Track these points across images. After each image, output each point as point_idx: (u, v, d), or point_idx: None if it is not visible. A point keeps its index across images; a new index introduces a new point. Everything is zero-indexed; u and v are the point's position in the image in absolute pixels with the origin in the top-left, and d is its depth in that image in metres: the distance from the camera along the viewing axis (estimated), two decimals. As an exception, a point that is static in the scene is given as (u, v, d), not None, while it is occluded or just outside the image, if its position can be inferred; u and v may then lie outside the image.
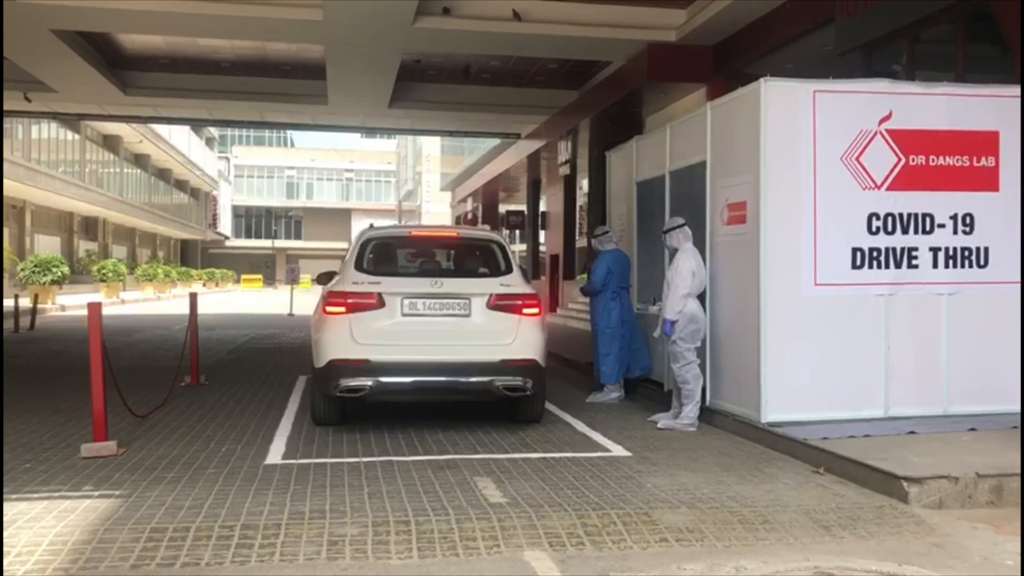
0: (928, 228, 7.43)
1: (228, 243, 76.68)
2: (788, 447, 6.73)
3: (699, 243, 8.12)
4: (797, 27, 11.92)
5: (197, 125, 36.75)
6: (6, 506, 5.06)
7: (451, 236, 8.57)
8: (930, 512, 5.26)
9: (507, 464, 6.33)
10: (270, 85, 19.43)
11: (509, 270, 7.71)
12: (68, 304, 28.79)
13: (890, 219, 7.38)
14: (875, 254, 7.37)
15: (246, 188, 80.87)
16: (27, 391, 9.83)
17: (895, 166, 7.38)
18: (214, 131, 67.92)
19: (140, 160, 51.47)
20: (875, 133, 7.35)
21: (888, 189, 7.37)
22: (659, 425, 7.86)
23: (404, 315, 7.25)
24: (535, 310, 7.46)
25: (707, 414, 7.98)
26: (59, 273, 27.58)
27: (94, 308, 6.55)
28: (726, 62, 14.01)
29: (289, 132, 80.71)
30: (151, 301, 38.73)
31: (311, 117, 22.57)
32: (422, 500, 5.32)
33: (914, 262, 7.42)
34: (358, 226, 74.04)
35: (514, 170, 26.83)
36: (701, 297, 8.02)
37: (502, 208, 31.86)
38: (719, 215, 7.99)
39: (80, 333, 19.01)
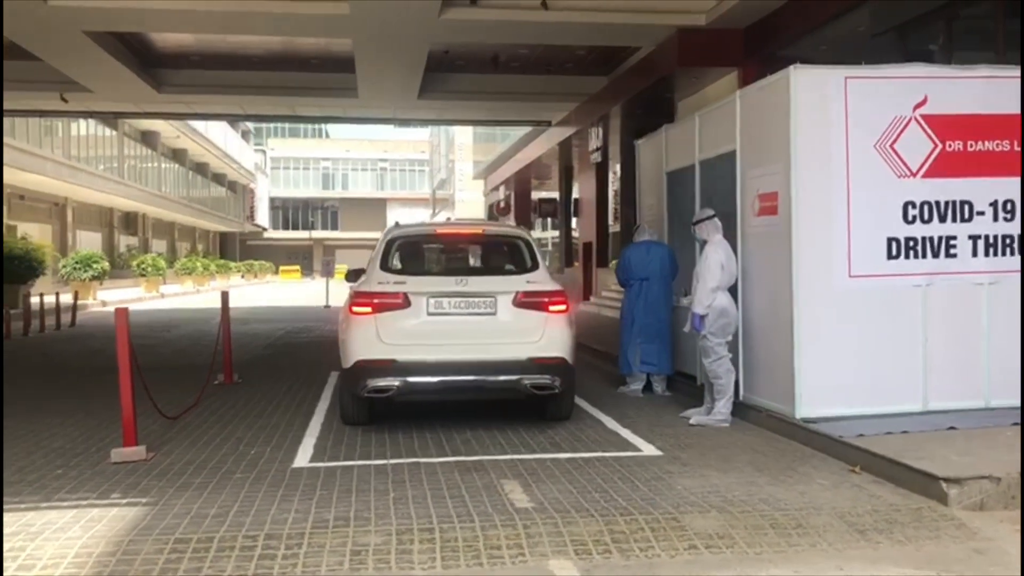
0: (967, 216, 7.21)
1: (266, 235, 77.37)
2: (823, 444, 6.58)
3: (730, 235, 7.97)
4: (830, 8, 11.62)
5: (230, 120, 37.04)
6: (35, 515, 5.10)
7: (476, 233, 8.49)
8: (971, 514, 5.09)
9: (535, 465, 6.26)
10: (300, 79, 19.44)
11: (535, 267, 7.62)
12: (109, 300, 29.24)
13: (927, 207, 7.17)
14: (911, 244, 7.17)
15: (283, 180, 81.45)
16: (62, 392, 9.94)
17: (931, 153, 7.16)
18: (250, 124, 68.42)
19: (178, 155, 52.04)
20: (910, 119, 7.14)
21: (924, 176, 7.16)
22: (691, 421, 7.74)
23: (430, 314, 7.19)
24: (562, 307, 7.36)
25: (740, 409, 7.84)
26: (99, 269, 28.02)
27: (121, 312, 6.57)
28: (758, 46, 13.74)
29: (324, 123, 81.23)
30: (190, 294, 39.21)
31: (342, 110, 22.57)
32: (447, 505, 5.26)
33: (952, 251, 7.21)
34: (393, 216, 74.33)
35: (546, 157, 26.67)
36: (733, 290, 7.87)
37: (535, 196, 31.71)
38: (750, 206, 7.83)
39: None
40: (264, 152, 77.92)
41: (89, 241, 39.55)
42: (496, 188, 35.51)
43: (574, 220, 26.52)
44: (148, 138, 45.95)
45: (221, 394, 9.64)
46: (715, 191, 8.62)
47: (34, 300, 19.90)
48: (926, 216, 7.18)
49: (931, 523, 4.95)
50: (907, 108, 7.14)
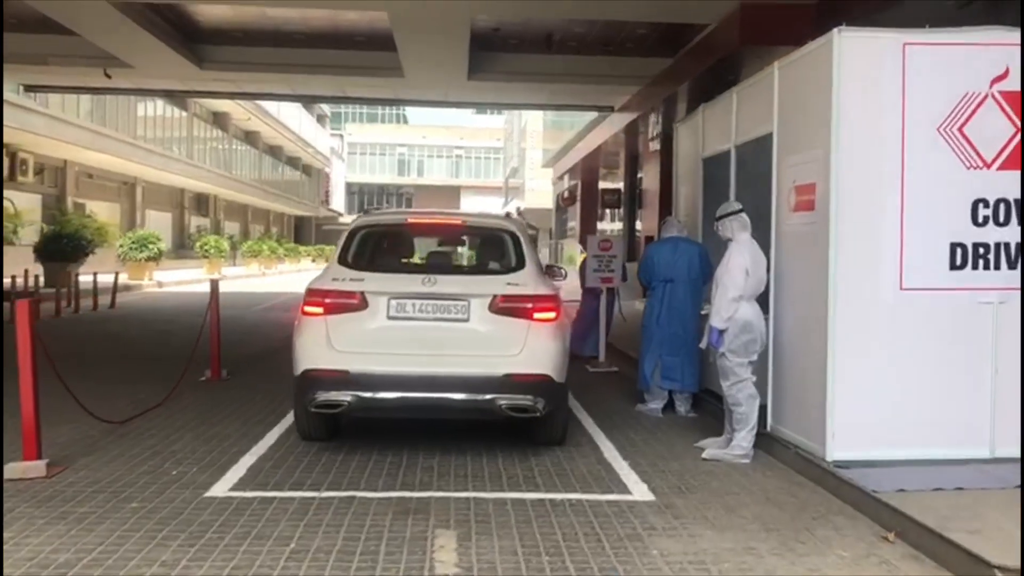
0: (1055, 218, 5.80)
1: (341, 220, 77.41)
2: (854, 498, 5.29)
3: (765, 233, 6.70)
4: (910, -24, 10.11)
5: (279, 100, 36.52)
6: None
7: (454, 224, 7.35)
8: (1033, 620, 3.80)
9: (491, 508, 5.14)
10: (346, 58, 18.59)
11: (520, 266, 6.46)
12: (166, 280, 29.09)
13: (1003, 206, 5.79)
14: (982, 251, 5.80)
15: (359, 165, 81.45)
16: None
17: (1012, 138, 5.79)
18: (326, 108, 68.50)
19: (250, 137, 52.11)
20: (985, 96, 5.78)
21: (1001, 168, 5.79)
22: (704, 455, 6.50)
23: (391, 318, 6.12)
24: (550, 314, 6.19)
25: (766, 442, 6.58)
26: (155, 250, 27.78)
27: (23, 307, 5.65)
28: (831, 20, 12.11)
29: (403, 109, 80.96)
30: (255, 277, 39.05)
31: (392, 91, 21.65)
32: (350, 567, 4.19)
33: (1034, 262, 5.82)
34: (467, 203, 73.72)
35: (610, 145, 25.33)
36: (764, 299, 6.61)
37: (601, 185, 30.35)
38: (785, 199, 6.54)
39: (162, 312, 18.81)
40: (341, 137, 78.00)
41: (159, 221, 39.72)
42: (561, 177, 34.24)
43: (639, 212, 25.15)
44: (219, 120, 46.04)
45: (198, 393, 8.78)
46: (751, 181, 7.35)
47: (86, 279, 19.65)
48: (1001, 217, 5.80)
49: (977, 631, 3.69)
50: (982, 82, 5.78)
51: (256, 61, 18.95)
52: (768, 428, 6.66)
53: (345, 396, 6.00)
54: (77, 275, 20.00)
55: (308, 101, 39.37)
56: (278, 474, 5.81)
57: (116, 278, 20.32)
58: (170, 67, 18.85)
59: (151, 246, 27.71)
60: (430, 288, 6.12)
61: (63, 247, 22.26)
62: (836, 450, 5.75)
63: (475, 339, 6.11)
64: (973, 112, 5.75)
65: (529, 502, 5.29)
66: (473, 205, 66.85)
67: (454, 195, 76.08)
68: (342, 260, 6.46)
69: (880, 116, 5.77)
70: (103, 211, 34.05)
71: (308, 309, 6.22)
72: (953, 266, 5.79)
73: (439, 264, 6.84)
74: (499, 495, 5.42)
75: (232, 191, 47.71)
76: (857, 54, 5.79)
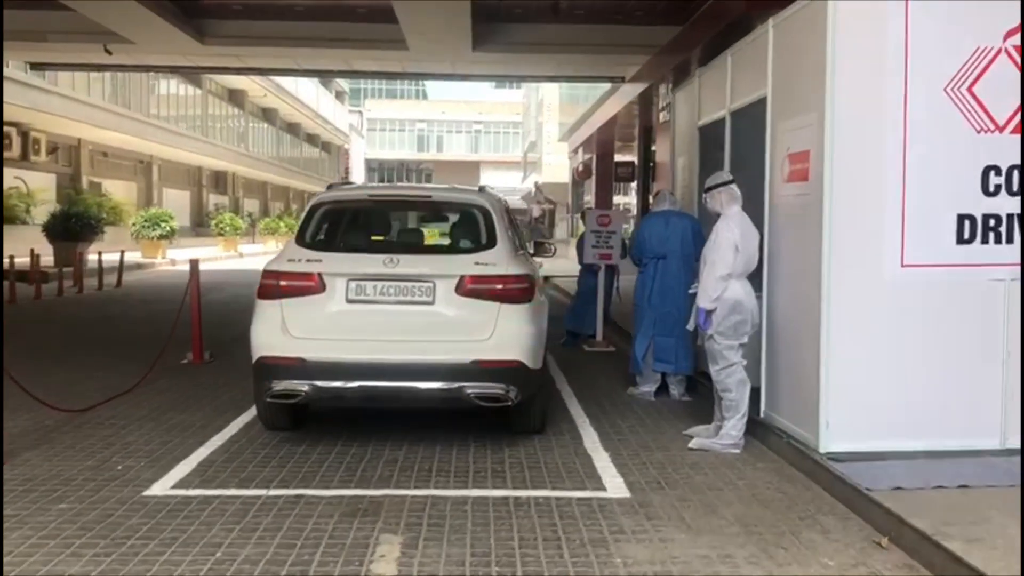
0: (1075, 186, 5.26)
1: (362, 196, 77.03)
2: (847, 495, 4.83)
3: (760, 206, 6.21)
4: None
5: (284, 75, 35.84)
6: None
7: (421, 199, 6.87)
8: (1036, 644, 3.34)
9: (448, 508, 4.73)
10: (348, 30, 18.14)
11: (491, 244, 5.98)
12: (180, 258, 28.91)
13: (1016, 173, 5.27)
14: (993, 223, 5.29)
15: (378, 141, 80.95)
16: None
17: (1027, 98, 5.23)
18: (344, 85, 68.06)
19: (268, 114, 51.85)
20: (998, 51, 5.24)
21: (1015, 131, 5.25)
22: (691, 444, 6.05)
23: (350, 302, 5.70)
24: (522, 296, 5.74)
25: (759, 430, 6.13)
26: (167, 228, 27.57)
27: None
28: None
29: (422, 84, 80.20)
30: (272, 254, 38.74)
31: (398, 64, 21.16)
32: (274, 579, 3.81)
33: (1052, 235, 5.28)
34: (486, 179, 73.01)
35: (624, 117, 24.72)
36: (757, 278, 6.13)
37: (616, 158, 29.73)
38: (779, 169, 6.03)
39: (168, 291, 18.53)
40: (360, 113, 77.49)
41: (177, 199, 39.61)
42: (576, 150, 33.62)
43: (653, 186, 24.57)
44: (235, 97, 45.78)
45: (175, 377, 8.44)
46: (749, 149, 6.84)
47: (93, 258, 19.48)
48: (1015, 185, 5.27)
49: (971, 658, 3.23)
50: (995, 36, 5.24)
51: (258, 35, 18.56)
52: (761, 415, 6.20)
53: (302, 385, 5.60)
54: (83, 254, 19.76)
55: (314, 75, 38.89)
56: (227, 470, 5.42)
57: (122, 257, 20.07)
58: (171, 42, 18.48)
59: (163, 224, 27.50)
60: (392, 269, 5.68)
61: (71, 226, 22.05)
62: (830, 441, 5.29)
63: (441, 323, 5.68)
64: (984, 69, 5.21)
65: (491, 501, 4.87)
66: (493, 180, 66.17)
67: (474, 170, 75.41)
68: (300, 239, 6.05)
69: (880, 75, 5.23)
70: (119, 190, 33.95)
71: (263, 292, 5.81)
72: (960, 240, 5.28)
73: (404, 243, 6.39)
74: (460, 493, 5.00)
75: (250, 168, 47.55)
76: (855, 7, 5.25)
